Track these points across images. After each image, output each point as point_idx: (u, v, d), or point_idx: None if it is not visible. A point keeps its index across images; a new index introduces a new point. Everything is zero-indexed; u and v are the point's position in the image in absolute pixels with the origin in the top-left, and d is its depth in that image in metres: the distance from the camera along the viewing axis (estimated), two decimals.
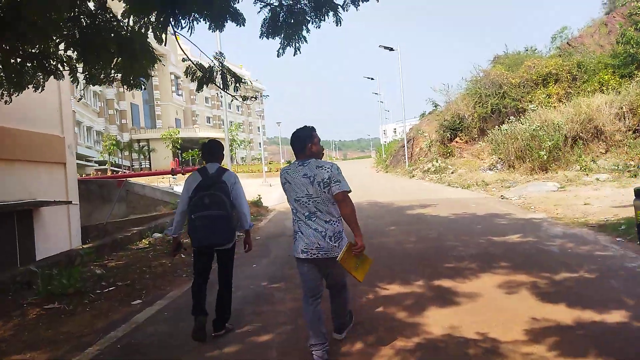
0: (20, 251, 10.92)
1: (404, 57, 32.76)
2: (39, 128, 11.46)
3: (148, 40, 6.97)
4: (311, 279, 3.45)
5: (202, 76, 6.65)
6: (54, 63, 5.39)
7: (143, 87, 6.76)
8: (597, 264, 5.85)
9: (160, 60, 7.25)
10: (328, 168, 3.30)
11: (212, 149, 4.22)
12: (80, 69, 6.66)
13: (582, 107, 18.13)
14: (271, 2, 7.53)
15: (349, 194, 3.31)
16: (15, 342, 4.40)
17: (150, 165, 54.74)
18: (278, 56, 7.90)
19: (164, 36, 6.59)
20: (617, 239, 7.07)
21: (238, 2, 6.91)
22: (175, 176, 24.22)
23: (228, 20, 7.16)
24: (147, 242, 9.38)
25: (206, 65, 7.39)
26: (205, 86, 6.77)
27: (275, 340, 4.04)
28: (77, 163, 38.48)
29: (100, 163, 42.78)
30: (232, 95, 7.57)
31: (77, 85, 6.84)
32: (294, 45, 7.88)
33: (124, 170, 46.43)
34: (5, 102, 5.52)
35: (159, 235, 10.06)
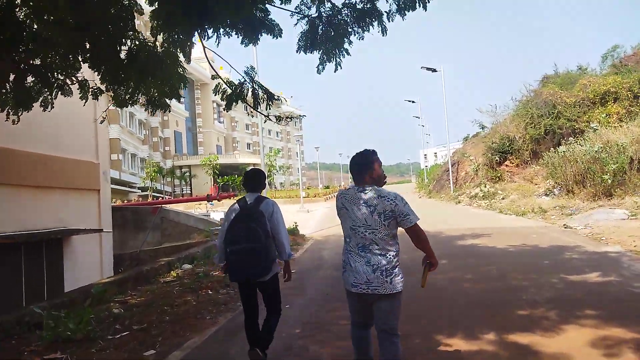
0: (48, 282, 10.50)
1: (445, 78, 31.60)
2: (73, 154, 11.18)
3: (180, 60, 6.45)
4: (359, 312, 3.26)
5: (232, 93, 5.98)
6: (61, 77, 4.83)
7: (168, 109, 6.18)
8: None
9: (187, 81, 6.68)
10: (392, 199, 3.04)
11: (251, 179, 4.16)
12: (104, 88, 6.18)
13: None
14: (309, 13, 6.85)
15: (418, 223, 3.10)
16: None
17: (191, 191, 55.43)
18: (318, 72, 7.19)
19: (189, 50, 6.01)
20: None
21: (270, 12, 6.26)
22: (212, 202, 23.84)
23: (263, 33, 6.53)
24: (175, 275, 8.68)
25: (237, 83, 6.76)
26: (235, 104, 6.09)
27: None
28: (120, 189, 39.30)
29: (143, 189, 43.48)
30: (264, 115, 6.88)
31: (103, 105, 6.28)
32: (334, 60, 7.16)
33: (166, 196, 47.03)
34: (13, 121, 5.01)
35: (189, 266, 9.38)
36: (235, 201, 4.11)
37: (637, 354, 3.81)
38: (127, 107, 6.15)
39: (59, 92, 5.03)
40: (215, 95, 6.13)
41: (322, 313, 5.79)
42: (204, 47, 6.05)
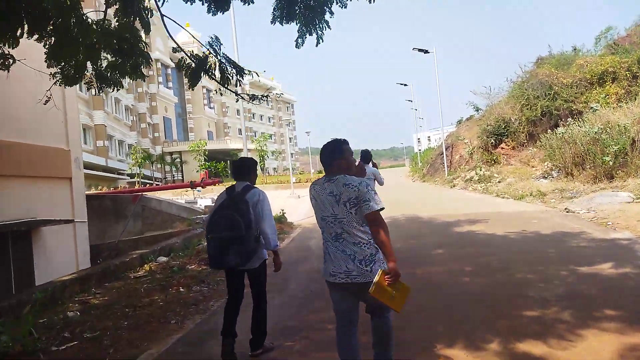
0: (17, 277, 9.74)
1: (438, 60, 30.74)
2: (40, 141, 10.33)
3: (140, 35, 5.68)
4: (343, 308, 3.06)
5: (195, 68, 5.19)
6: None
7: (120, 86, 5.45)
8: None
9: (149, 58, 5.89)
10: (356, 186, 2.90)
11: (238, 167, 4.14)
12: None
13: None
14: None
15: (380, 213, 2.91)
16: None
17: (182, 177, 54.54)
18: (297, 46, 6.46)
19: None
20: None
21: None
22: (200, 189, 23.04)
23: None
24: (147, 269, 7.97)
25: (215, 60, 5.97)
26: (200, 79, 5.31)
27: None
28: (108, 176, 38.33)
29: (132, 176, 42.51)
30: (235, 93, 6.11)
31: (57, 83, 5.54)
32: (315, 32, 6.38)
33: (156, 183, 46.09)
34: None
35: (164, 259, 8.67)
36: (225, 189, 4.11)
37: None
38: (76, 84, 5.37)
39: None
40: (179, 70, 5.36)
41: (304, 315, 5.11)
42: (162, 16, 5.24)
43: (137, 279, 7.30)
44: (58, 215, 10.80)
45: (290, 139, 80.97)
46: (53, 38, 5.25)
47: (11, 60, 5.33)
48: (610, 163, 14.88)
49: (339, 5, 6.20)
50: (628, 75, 20.48)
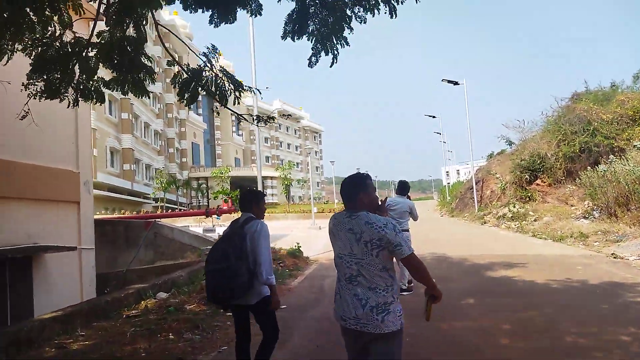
0: (13, 307, 9.15)
1: (468, 92, 29.81)
2: (47, 161, 9.91)
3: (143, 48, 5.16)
4: (354, 357, 2.83)
5: (191, 81, 4.54)
6: None
7: (101, 101, 4.88)
8: None
9: (154, 73, 5.33)
10: (381, 227, 2.65)
11: (241, 199, 4.08)
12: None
13: None
14: None
15: (413, 254, 2.70)
16: None
17: (208, 203, 54.59)
18: (309, 65, 5.83)
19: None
20: None
21: None
22: (219, 217, 22.45)
23: (238, 9, 5.18)
24: (143, 307, 7.23)
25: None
26: (196, 95, 4.66)
27: None
28: (133, 200, 38.44)
29: (157, 200, 42.59)
30: (236, 114, 5.45)
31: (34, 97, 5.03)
32: (331, 51, 5.72)
33: (180, 208, 46.04)
34: None
35: (164, 295, 7.92)
36: (231, 221, 4.02)
37: None
38: (56, 97, 4.80)
39: None
40: (173, 86, 4.74)
41: None
42: (157, 24, 4.67)
43: (129, 319, 6.54)
44: (63, 242, 10.28)
45: (317, 167, 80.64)
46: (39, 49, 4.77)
47: None
48: None
49: (358, 21, 5.55)
50: None
